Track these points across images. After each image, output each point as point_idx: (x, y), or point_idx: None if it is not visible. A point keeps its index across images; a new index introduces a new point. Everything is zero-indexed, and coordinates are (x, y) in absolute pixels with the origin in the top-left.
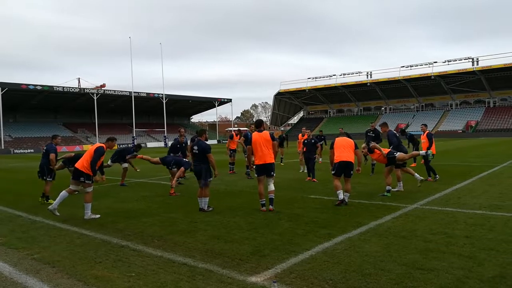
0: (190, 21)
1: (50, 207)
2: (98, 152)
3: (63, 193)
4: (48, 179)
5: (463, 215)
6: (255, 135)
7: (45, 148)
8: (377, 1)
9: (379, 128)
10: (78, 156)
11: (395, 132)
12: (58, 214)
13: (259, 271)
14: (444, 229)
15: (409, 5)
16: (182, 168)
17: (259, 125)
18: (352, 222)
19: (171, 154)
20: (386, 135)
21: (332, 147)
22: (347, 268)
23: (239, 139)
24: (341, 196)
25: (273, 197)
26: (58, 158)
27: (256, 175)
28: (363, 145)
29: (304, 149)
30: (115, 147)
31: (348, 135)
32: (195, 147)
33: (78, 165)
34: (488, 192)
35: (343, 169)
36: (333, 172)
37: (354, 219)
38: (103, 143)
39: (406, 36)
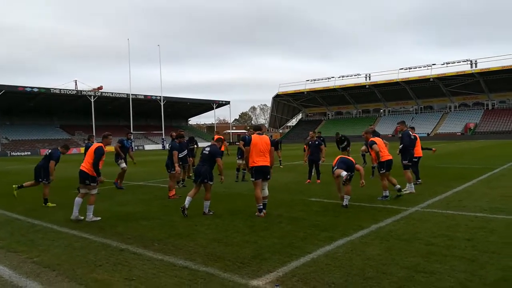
0: (188, 25)
1: (72, 217)
2: (98, 152)
3: (77, 199)
4: (44, 181)
5: (464, 218)
6: (255, 137)
7: (49, 151)
8: (373, 8)
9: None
10: None
11: (410, 133)
12: (82, 217)
13: (260, 274)
14: (446, 232)
15: (403, 10)
16: (175, 155)
17: (259, 128)
18: (353, 225)
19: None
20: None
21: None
22: (349, 272)
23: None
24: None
25: (266, 202)
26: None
27: (252, 179)
28: (363, 148)
29: (309, 152)
30: (112, 148)
31: (346, 138)
32: (207, 149)
33: (82, 167)
34: (488, 195)
35: (345, 165)
36: (334, 168)
37: (355, 222)
38: (101, 142)
39: (401, 41)
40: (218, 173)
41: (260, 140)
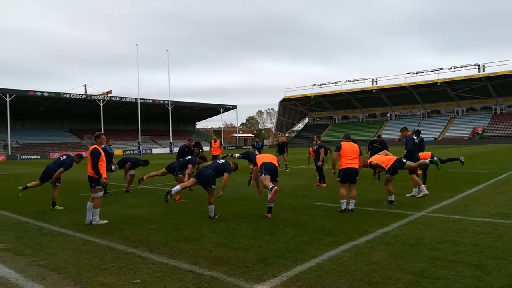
0: (195, 31)
1: (86, 221)
2: (94, 154)
3: (89, 204)
4: (57, 184)
5: (471, 223)
6: (260, 155)
7: (64, 157)
8: (379, 12)
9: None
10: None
11: (414, 137)
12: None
13: (265, 279)
14: (452, 237)
15: (409, 14)
16: (189, 168)
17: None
18: (359, 230)
19: (180, 159)
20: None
21: (338, 150)
22: (354, 277)
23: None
24: (343, 206)
25: (272, 205)
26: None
27: (261, 175)
28: (366, 155)
29: (314, 156)
30: (120, 152)
31: (353, 141)
32: (222, 161)
33: (88, 172)
34: (496, 200)
35: (348, 176)
36: (338, 179)
37: (360, 226)
38: (95, 143)
39: (408, 46)
40: (222, 175)
41: (266, 155)
